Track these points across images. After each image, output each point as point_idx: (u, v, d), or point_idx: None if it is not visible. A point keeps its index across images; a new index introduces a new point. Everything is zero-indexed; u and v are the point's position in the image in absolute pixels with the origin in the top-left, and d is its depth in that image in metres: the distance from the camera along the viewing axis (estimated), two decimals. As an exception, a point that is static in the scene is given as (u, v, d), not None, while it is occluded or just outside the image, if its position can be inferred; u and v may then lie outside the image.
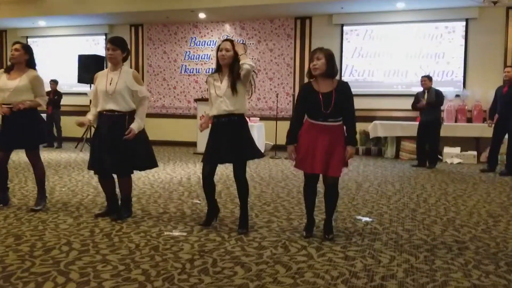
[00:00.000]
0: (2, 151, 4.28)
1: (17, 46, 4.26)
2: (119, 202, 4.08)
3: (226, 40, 3.62)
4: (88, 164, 4.04)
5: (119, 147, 3.82)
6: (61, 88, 10.32)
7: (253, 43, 10.10)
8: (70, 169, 6.85)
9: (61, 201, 4.62)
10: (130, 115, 3.89)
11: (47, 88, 10.47)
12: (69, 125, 10.42)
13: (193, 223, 3.82)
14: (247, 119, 9.03)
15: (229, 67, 3.54)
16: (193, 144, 9.52)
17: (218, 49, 3.58)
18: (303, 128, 3.47)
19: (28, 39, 11.65)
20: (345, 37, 9.55)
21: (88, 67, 9.52)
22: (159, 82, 10.82)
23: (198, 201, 4.69)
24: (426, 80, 7.43)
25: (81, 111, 11.06)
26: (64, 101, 10.25)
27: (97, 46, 11.06)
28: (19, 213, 4.07)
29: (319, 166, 3.30)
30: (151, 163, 4.05)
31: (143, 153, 4.00)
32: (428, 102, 7.35)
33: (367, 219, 4.07)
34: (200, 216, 4.01)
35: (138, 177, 6.13)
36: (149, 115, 11.16)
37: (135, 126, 3.83)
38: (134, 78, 3.89)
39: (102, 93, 3.87)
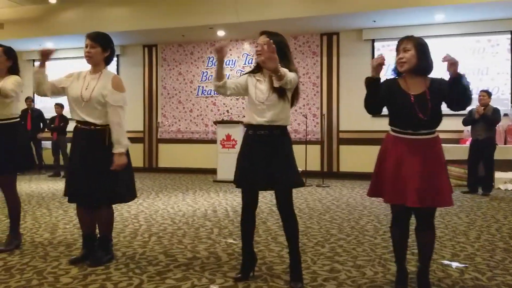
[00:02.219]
0: None
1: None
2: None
3: (264, 33, 2.81)
4: (64, 191, 3.18)
5: (96, 170, 3.01)
6: (67, 113, 9.55)
7: (275, 62, 9.34)
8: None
9: (64, 242, 3.74)
10: (109, 128, 3.08)
11: (53, 113, 9.83)
12: (77, 153, 9.65)
13: (233, 273, 2.92)
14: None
15: None
16: (213, 171, 8.65)
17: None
18: (385, 143, 2.61)
19: (35, 63, 11.02)
20: (376, 54, 8.77)
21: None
22: (174, 105, 10.06)
23: (234, 241, 3.78)
24: (485, 95, 6.56)
25: None
26: (70, 127, 9.48)
27: (109, 68, 10.36)
28: (10, 261, 3.19)
29: (413, 196, 2.41)
30: (133, 194, 3.22)
31: (125, 180, 3.15)
32: (484, 116, 6.46)
33: (458, 264, 3.15)
34: (240, 263, 3.11)
35: (156, 210, 5.26)
36: (163, 141, 10.48)
37: (117, 153, 3.01)
38: (113, 83, 3.08)
39: (75, 100, 3.09)
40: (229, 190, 6.99)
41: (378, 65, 2.49)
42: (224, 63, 2.96)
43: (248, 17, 8.26)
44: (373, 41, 8.78)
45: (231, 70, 9.65)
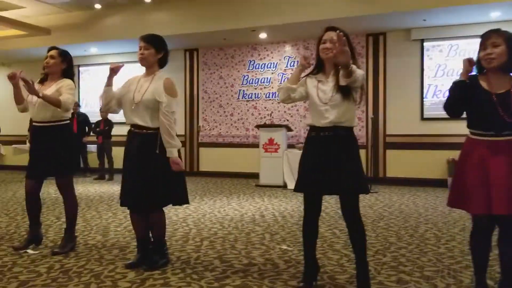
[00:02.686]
0: (32, 179, 3.50)
1: (52, 52, 3.53)
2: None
3: (331, 29, 2.66)
4: (120, 197, 3.16)
5: (148, 174, 2.95)
6: (112, 117, 9.70)
7: (318, 64, 9.17)
8: (123, 204, 5.99)
9: (117, 245, 3.71)
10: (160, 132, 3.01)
11: (98, 117, 10.00)
12: (120, 156, 9.76)
13: (293, 281, 2.78)
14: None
15: (334, 63, 2.60)
16: (254, 176, 8.56)
17: (320, 41, 2.64)
18: (464, 148, 2.42)
19: (80, 68, 11.27)
20: (426, 54, 8.44)
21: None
22: (215, 109, 10.04)
23: (288, 247, 3.64)
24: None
25: None
26: (115, 130, 9.60)
27: (150, 72, 10.50)
28: (66, 263, 3.17)
29: (500, 202, 2.20)
30: (185, 198, 3.13)
31: (177, 184, 3.08)
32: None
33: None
34: (300, 271, 2.96)
35: (203, 213, 5.19)
36: (204, 145, 10.46)
37: (171, 157, 2.98)
38: (165, 87, 3.00)
39: (127, 103, 3.05)
40: (273, 195, 6.86)
41: (470, 67, 2.33)
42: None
43: (291, 18, 8.13)
44: (422, 41, 8.46)
45: (272, 73, 9.54)
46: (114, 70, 3.10)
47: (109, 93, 3.12)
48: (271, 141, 8.01)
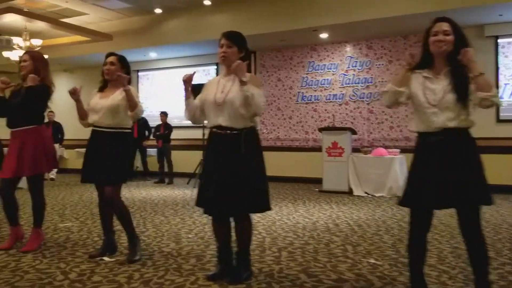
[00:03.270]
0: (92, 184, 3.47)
1: (112, 59, 3.41)
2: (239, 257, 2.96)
3: (442, 19, 2.36)
4: (196, 200, 2.92)
5: (234, 178, 2.74)
6: (171, 121, 9.74)
7: (382, 64, 8.77)
8: (189, 208, 5.87)
9: (192, 253, 3.54)
10: (247, 134, 2.80)
11: (158, 121, 10.05)
12: (179, 160, 9.76)
13: (395, 301, 2.49)
14: (381, 150, 7.66)
15: (447, 59, 2.30)
16: (315, 181, 8.27)
17: (429, 33, 2.36)
18: None
19: (139, 73, 11.43)
20: (500, 51, 7.86)
21: (201, 96, 8.81)
22: (273, 112, 9.83)
23: (377, 261, 3.34)
24: None
25: (192, 145, 10.52)
26: (175, 134, 9.62)
27: (207, 77, 10.43)
28: (145, 273, 3.03)
29: None
30: (269, 204, 2.90)
31: (263, 188, 2.87)
32: None
33: None
34: (398, 289, 2.66)
35: (272, 220, 4.97)
36: (264, 149, 10.22)
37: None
38: (252, 81, 2.79)
39: (210, 105, 2.85)
40: (340, 202, 6.54)
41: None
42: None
43: (356, 17, 7.79)
44: (496, 37, 7.89)
45: (333, 74, 9.22)
46: (187, 81, 2.93)
47: (191, 105, 2.95)
48: (334, 144, 7.68)
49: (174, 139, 9.60)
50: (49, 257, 3.40)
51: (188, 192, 7.66)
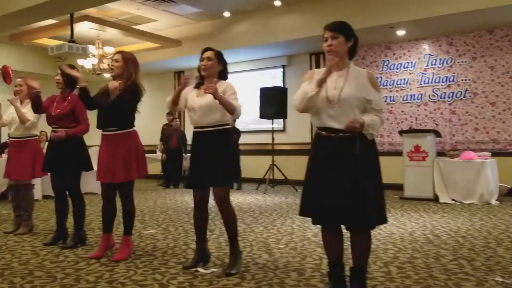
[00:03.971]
0: (199, 190, 3.24)
1: (209, 54, 3.23)
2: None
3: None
4: (301, 208, 2.63)
5: (352, 185, 2.46)
6: (238, 125, 9.54)
7: (465, 61, 8.13)
8: (267, 215, 5.61)
9: (290, 266, 3.25)
10: (363, 137, 2.51)
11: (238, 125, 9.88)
12: (247, 165, 9.57)
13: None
14: (470, 153, 7.04)
15: None
16: (394, 187, 7.76)
17: None
18: None
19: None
20: None
21: (271, 101, 8.55)
22: (345, 114, 9.41)
23: (505, 280, 2.90)
24: None
25: (260, 150, 10.31)
26: (243, 139, 9.42)
27: (273, 80, 10.22)
28: (245, 286, 2.78)
29: None
30: (385, 216, 2.63)
31: (382, 198, 2.60)
32: None
33: None
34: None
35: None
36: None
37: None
38: (371, 81, 2.54)
39: (322, 103, 2.53)
40: (429, 209, 6.05)
41: None
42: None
43: (436, 11, 7.25)
44: None
45: (410, 74, 8.68)
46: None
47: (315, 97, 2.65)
48: (417, 148, 7.16)
49: (242, 144, 9.42)
50: (142, 267, 3.24)
51: (260, 198, 7.42)
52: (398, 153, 8.60)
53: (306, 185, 2.69)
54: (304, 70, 10.10)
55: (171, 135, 9.60)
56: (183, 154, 9.70)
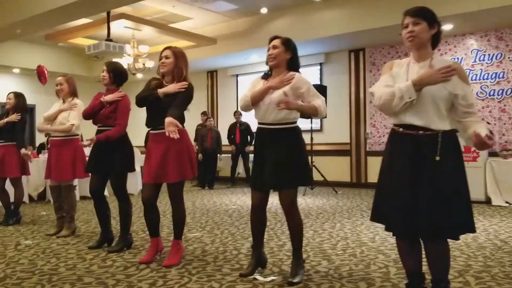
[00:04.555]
0: (259, 192, 2.98)
1: (276, 42, 2.97)
2: None
3: None
4: (372, 213, 2.44)
5: (432, 190, 2.19)
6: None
7: (517, 56, 7.69)
8: (313, 218, 5.35)
9: (356, 276, 2.99)
10: (445, 136, 2.22)
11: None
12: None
13: None
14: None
15: None
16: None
17: None
18: None
19: (238, 77, 11.22)
20: None
21: (309, 98, 8.28)
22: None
23: None
24: None
25: None
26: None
27: (310, 78, 9.83)
28: (317, 300, 2.53)
29: None
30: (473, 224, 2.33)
31: (469, 204, 2.27)
32: None
33: None
34: None
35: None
36: (373, 153, 9.34)
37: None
38: (460, 73, 2.23)
39: None
40: (484, 213, 5.70)
41: None
42: None
43: (486, 4, 6.84)
44: None
45: (455, 70, 8.26)
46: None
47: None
48: (467, 148, 6.76)
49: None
50: (196, 274, 3.04)
51: (300, 201, 7.15)
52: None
53: (378, 188, 2.44)
54: (343, 68, 9.81)
55: (205, 135, 9.44)
56: (218, 155, 9.53)
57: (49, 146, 4.74)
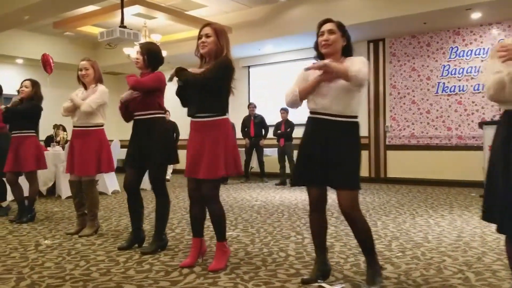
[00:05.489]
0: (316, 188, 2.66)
1: (329, 25, 2.58)
2: None
3: None
4: (483, 210, 2.13)
5: None
6: (293, 118, 8.93)
7: (549, 46, 7.35)
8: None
9: (431, 281, 2.65)
10: None
11: (274, 119, 9.33)
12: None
13: None
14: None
15: None
16: (473, 185, 7.09)
17: None
18: None
19: (250, 69, 10.85)
20: None
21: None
22: (407, 106, 8.72)
23: None
24: None
25: None
26: (297, 132, 8.81)
27: (327, 69, 9.55)
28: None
29: None
30: None
31: None
32: None
33: None
34: None
35: (472, 238, 3.95)
36: (393, 147, 8.95)
37: None
38: None
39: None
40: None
41: None
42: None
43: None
44: None
45: (482, 61, 7.94)
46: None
47: None
48: (501, 141, 6.44)
49: (296, 138, 8.82)
50: (250, 280, 2.69)
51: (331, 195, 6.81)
52: (468, 148, 7.93)
53: (485, 181, 2.14)
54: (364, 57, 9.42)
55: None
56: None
57: (70, 138, 4.37)
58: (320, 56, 2.64)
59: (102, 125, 4.17)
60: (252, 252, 3.40)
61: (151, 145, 3.39)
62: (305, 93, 2.61)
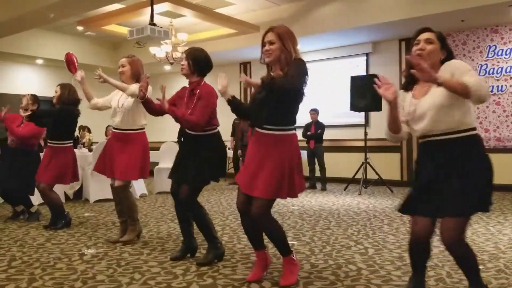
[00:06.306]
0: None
1: (427, 35, 2.30)
2: None
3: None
4: None
5: None
6: (323, 119, 8.62)
7: None
8: (387, 221, 4.73)
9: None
10: None
11: (308, 119, 8.95)
12: (331, 163, 8.69)
13: None
14: None
15: None
16: (509, 189, 6.77)
17: None
18: None
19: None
20: None
21: (362, 91, 7.56)
22: (440, 107, 8.40)
23: None
24: None
25: (348, 146, 9.30)
26: (327, 134, 8.52)
27: (356, 69, 9.26)
28: None
29: None
30: None
31: None
32: None
33: None
34: None
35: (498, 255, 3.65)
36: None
37: None
38: None
39: None
40: None
41: None
42: None
43: None
44: None
45: (522, 59, 7.63)
46: None
47: None
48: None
49: (327, 140, 8.55)
50: (333, 299, 2.43)
51: (359, 200, 6.53)
52: (507, 150, 7.62)
53: None
54: (392, 58, 9.13)
55: (247, 130, 8.80)
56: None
57: (107, 140, 4.15)
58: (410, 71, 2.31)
59: (144, 128, 3.94)
60: (317, 264, 3.14)
61: (188, 161, 3.21)
62: (390, 125, 2.36)
